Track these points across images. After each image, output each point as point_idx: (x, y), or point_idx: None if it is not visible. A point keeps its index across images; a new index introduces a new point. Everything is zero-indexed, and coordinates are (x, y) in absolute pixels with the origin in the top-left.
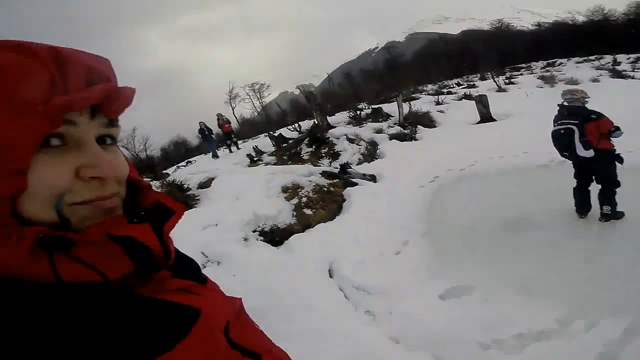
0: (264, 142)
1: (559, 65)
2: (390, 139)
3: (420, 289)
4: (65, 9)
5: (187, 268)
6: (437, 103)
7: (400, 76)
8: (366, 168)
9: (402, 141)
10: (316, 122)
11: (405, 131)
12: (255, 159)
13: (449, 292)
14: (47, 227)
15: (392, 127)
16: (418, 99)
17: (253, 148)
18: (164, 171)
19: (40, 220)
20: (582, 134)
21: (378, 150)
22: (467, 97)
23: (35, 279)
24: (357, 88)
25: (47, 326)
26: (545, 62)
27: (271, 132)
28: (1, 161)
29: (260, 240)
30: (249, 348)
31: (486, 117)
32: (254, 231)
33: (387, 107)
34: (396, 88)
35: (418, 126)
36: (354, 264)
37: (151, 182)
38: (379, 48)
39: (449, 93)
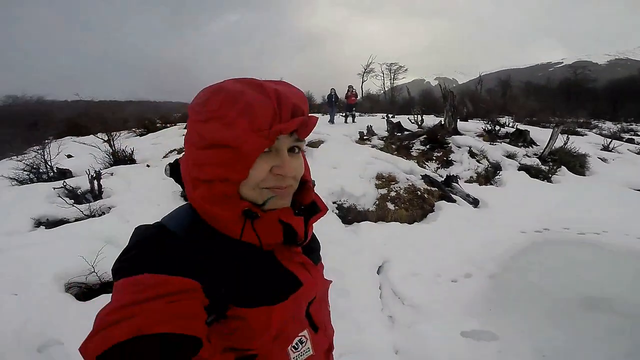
0: (379, 123)
1: None
2: (519, 170)
3: (449, 319)
4: None
5: (313, 248)
6: (605, 148)
7: (574, 104)
8: (474, 190)
9: (532, 177)
10: (442, 122)
11: (543, 167)
12: (365, 137)
13: (473, 332)
14: (251, 204)
15: (529, 156)
16: (583, 135)
17: (367, 127)
18: None
19: (247, 198)
20: None
21: (498, 176)
22: None
23: (231, 233)
24: (511, 100)
25: (228, 258)
26: None
27: (390, 116)
28: (239, 161)
29: (335, 212)
30: (314, 321)
31: None
32: (334, 202)
33: (536, 133)
34: (562, 115)
35: (562, 167)
36: (405, 272)
37: None
38: (563, 64)
39: (630, 141)
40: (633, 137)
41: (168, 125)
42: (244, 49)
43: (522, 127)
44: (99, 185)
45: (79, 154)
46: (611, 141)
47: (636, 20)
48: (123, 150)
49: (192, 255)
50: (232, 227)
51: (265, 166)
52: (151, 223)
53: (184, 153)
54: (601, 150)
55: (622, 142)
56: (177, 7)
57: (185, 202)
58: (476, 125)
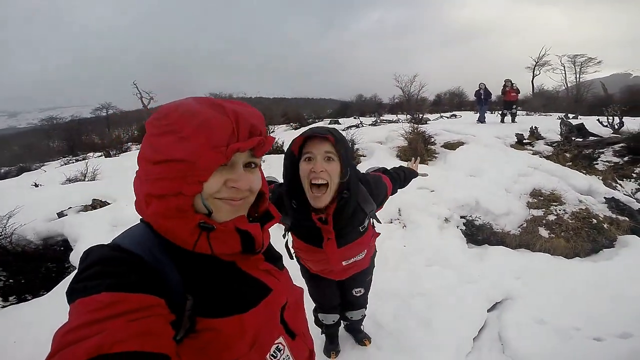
0: (550, 124)
1: None
2: None
3: None
4: None
5: (275, 257)
6: None
7: None
8: None
9: None
10: None
11: None
12: (524, 141)
13: None
14: (206, 217)
15: None
16: None
17: (530, 128)
18: (425, 115)
19: (199, 210)
20: None
21: None
22: None
23: (186, 245)
24: None
25: (191, 270)
26: None
27: (569, 117)
28: (194, 174)
29: (461, 229)
30: (290, 327)
31: None
32: (462, 217)
33: None
34: None
35: None
36: (529, 316)
37: (406, 124)
38: None
39: None
40: None
41: (317, 120)
42: (390, 44)
43: None
44: None
45: None
46: None
47: None
48: (276, 142)
49: (150, 270)
50: (188, 240)
51: (220, 179)
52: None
53: (137, 170)
54: None
55: None
56: (328, 9)
57: None
58: None
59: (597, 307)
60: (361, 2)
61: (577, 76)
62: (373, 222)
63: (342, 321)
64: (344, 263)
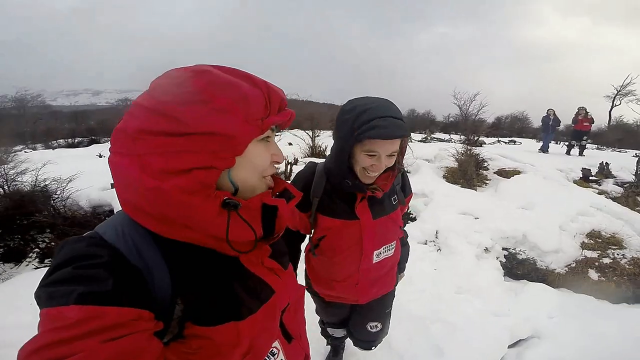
0: (624, 162)
1: None
2: None
3: None
4: None
5: (281, 252)
6: None
7: None
8: None
9: None
10: None
11: None
12: (591, 177)
13: None
14: (230, 193)
15: None
16: None
17: (600, 164)
18: (480, 138)
19: (223, 187)
20: None
21: None
22: None
23: (214, 228)
24: None
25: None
26: None
27: None
28: (228, 147)
29: (500, 261)
30: (288, 330)
31: None
32: (505, 248)
33: None
34: None
35: None
36: (555, 357)
37: (459, 144)
38: None
39: None
40: None
41: None
42: (453, 61)
43: None
44: (291, 170)
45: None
46: None
47: None
48: (319, 145)
49: (133, 272)
50: (210, 222)
51: (268, 155)
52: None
53: (119, 146)
54: None
55: None
56: (387, 17)
57: None
58: None
59: (624, 353)
60: (430, 13)
61: None
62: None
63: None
64: (375, 254)
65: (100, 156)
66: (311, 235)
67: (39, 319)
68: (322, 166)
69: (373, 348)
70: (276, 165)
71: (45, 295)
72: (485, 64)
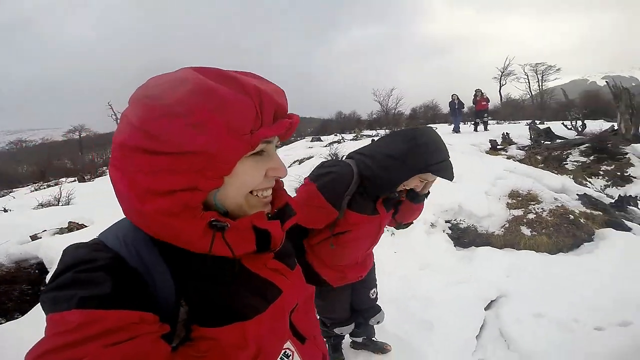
0: (520, 130)
1: None
2: None
3: None
4: None
5: (286, 253)
6: None
7: None
8: None
9: None
10: (616, 127)
11: None
12: (498, 147)
13: None
14: (217, 213)
15: None
16: None
17: (502, 134)
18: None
19: (210, 207)
20: None
21: None
22: None
23: (196, 248)
24: None
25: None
26: None
27: (534, 123)
28: (213, 166)
29: (447, 232)
30: (300, 331)
31: None
32: (447, 221)
33: None
34: None
35: None
36: (527, 311)
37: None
38: None
39: None
40: None
41: (298, 138)
42: (367, 61)
43: None
44: None
45: None
46: None
47: None
48: None
49: (134, 276)
50: (200, 242)
51: (261, 170)
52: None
53: (113, 157)
54: None
55: None
56: (310, 26)
57: None
58: None
59: (591, 298)
60: (342, 18)
61: (540, 84)
62: None
63: (353, 337)
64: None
65: (6, 210)
66: (330, 229)
67: (45, 324)
68: (355, 168)
69: (379, 322)
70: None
71: (49, 300)
72: (397, 61)
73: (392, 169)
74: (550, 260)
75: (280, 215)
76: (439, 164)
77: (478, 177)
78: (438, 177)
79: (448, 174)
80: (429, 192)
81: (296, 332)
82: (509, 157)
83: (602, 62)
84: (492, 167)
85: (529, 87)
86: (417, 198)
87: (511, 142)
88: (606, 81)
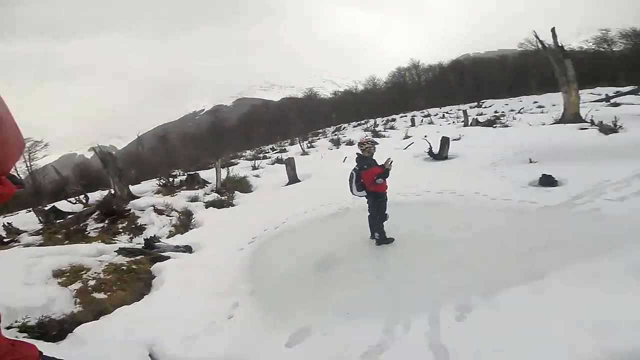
0: (25, 218)
1: (343, 129)
2: (207, 207)
3: (265, 345)
4: None
5: None
6: (254, 168)
7: (223, 141)
8: (180, 240)
9: (219, 208)
10: (113, 191)
11: (223, 197)
12: (6, 240)
13: (292, 339)
14: None
15: (208, 194)
16: (237, 164)
17: (3, 226)
18: None
19: None
20: (357, 178)
21: (193, 220)
22: (279, 161)
23: None
24: (173, 153)
25: None
26: (334, 127)
27: (39, 207)
28: None
29: (24, 337)
30: None
31: (293, 178)
32: (9, 327)
33: (204, 174)
34: (217, 154)
35: (235, 192)
36: (181, 340)
37: None
38: (204, 110)
39: (265, 157)
40: (266, 154)
41: None
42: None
43: (190, 173)
44: None
45: None
46: (255, 162)
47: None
48: None
49: None
50: None
51: None
52: None
53: None
54: (252, 170)
55: (261, 160)
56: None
57: None
58: (150, 184)
59: (190, 317)
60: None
61: (28, 164)
62: None
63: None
64: None
65: None
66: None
67: None
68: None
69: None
70: None
71: None
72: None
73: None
74: (143, 305)
75: None
76: None
77: (3, 274)
78: None
79: None
80: None
81: None
82: (26, 245)
83: (86, 133)
84: (12, 260)
85: (16, 170)
86: None
87: (18, 232)
88: (94, 149)
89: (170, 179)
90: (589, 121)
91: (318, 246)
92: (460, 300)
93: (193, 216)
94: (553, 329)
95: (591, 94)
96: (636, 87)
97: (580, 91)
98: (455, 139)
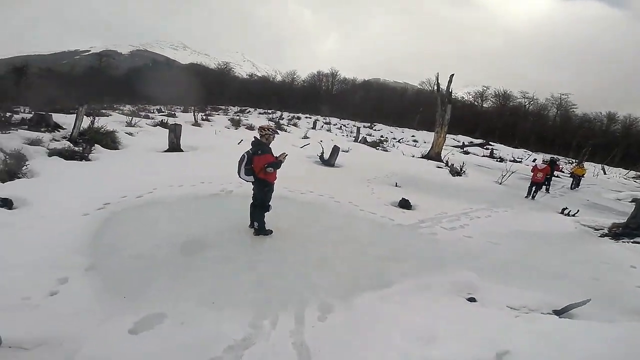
0: None
1: (247, 112)
2: (50, 155)
3: (101, 329)
4: None
5: None
6: (129, 124)
7: (98, 89)
8: None
9: (68, 159)
10: None
11: (77, 148)
12: None
13: (139, 325)
14: None
15: (58, 140)
16: (109, 116)
17: None
18: None
19: None
20: (248, 162)
21: (26, 167)
22: (163, 124)
23: None
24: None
25: None
26: (238, 108)
27: None
28: None
29: None
30: None
31: (175, 147)
32: None
33: (61, 118)
34: (85, 100)
35: (96, 145)
36: None
37: None
38: (91, 52)
39: (147, 117)
40: (149, 114)
41: None
42: None
43: (41, 112)
44: None
45: None
46: (132, 119)
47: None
48: None
49: None
50: None
51: None
52: None
53: None
54: (126, 126)
55: (141, 118)
56: None
57: None
58: None
59: None
60: None
61: None
62: None
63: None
64: None
65: None
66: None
67: None
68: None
69: None
70: None
71: None
72: None
73: None
74: None
75: None
76: None
77: None
78: None
79: None
80: None
81: None
82: None
83: None
84: None
85: None
86: None
87: None
88: None
89: (7, 114)
90: (445, 162)
91: (189, 226)
92: (324, 299)
93: (27, 162)
94: (393, 338)
95: (453, 139)
96: (485, 141)
97: (447, 135)
98: (344, 150)
